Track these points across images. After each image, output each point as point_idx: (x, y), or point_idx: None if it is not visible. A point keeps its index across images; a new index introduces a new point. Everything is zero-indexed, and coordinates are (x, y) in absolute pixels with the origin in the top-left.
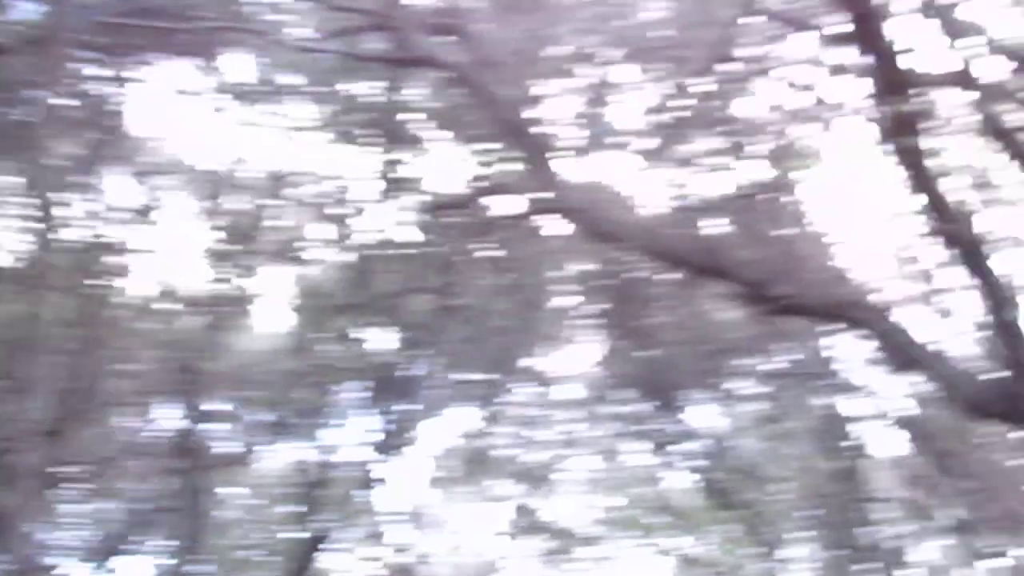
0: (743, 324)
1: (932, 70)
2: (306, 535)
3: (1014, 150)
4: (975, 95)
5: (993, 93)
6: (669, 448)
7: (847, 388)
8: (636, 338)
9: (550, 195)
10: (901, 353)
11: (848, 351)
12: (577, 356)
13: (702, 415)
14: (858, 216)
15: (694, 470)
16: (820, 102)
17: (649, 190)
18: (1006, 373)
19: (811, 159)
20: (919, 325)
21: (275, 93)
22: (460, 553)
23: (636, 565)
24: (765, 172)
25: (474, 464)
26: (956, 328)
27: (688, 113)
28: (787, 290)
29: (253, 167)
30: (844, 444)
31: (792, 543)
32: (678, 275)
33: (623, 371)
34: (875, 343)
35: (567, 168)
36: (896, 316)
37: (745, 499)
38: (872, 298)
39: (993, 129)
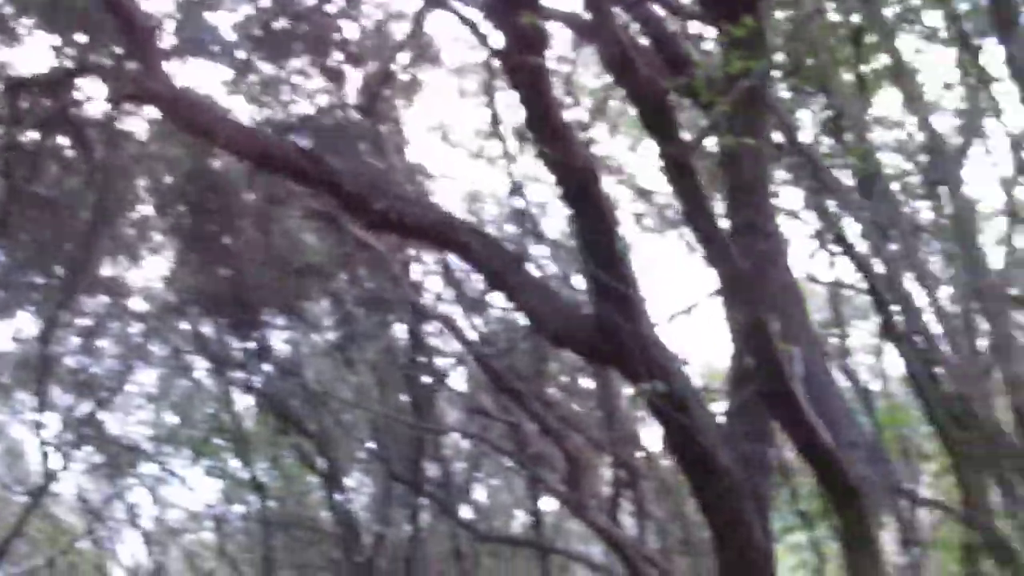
0: (326, 247)
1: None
2: None
3: (630, 85)
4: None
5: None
6: (237, 368)
7: (427, 317)
8: (214, 254)
9: (145, 86)
10: (497, 279)
11: (431, 281)
12: (151, 268)
13: (275, 337)
14: (463, 141)
15: (261, 392)
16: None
17: (245, 99)
18: (605, 307)
19: (413, 85)
20: (517, 253)
21: None
22: (14, 459)
23: (194, 483)
24: (363, 94)
25: (34, 370)
26: (558, 259)
27: (289, 29)
28: (387, 204)
29: None
30: (418, 374)
31: (357, 471)
32: (271, 180)
33: (198, 287)
34: (470, 267)
35: (166, 65)
36: (494, 241)
37: (311, 425)
38: (469, 222)
39: (610, 63)
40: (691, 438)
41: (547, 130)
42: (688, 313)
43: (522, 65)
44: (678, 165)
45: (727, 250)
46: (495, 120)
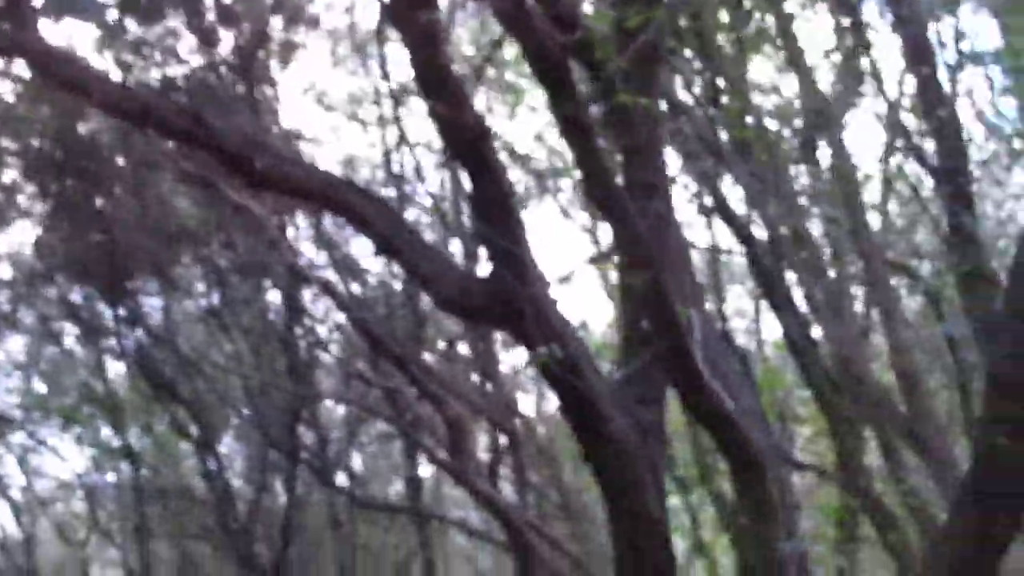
0: (201, 211)
1: None
2: None
3: (525, 40)
4: None
5: None
6: (109, 335)
7: (304, 281)
8: (85, 219)
9: (17, 41)
10: (384, 242)
11: (306, 246)
12: (19, 233)
13: (147, 303)
14: (338, 105)
15: (134, 359)
16: None
17: (114, 60)
18: (499, 269)
19: (289, 47)
20: (407, 215)
21: None
22: None
23: (64, 452)
24: (237, 56)
25: None
26: (434, 224)
27: None
28: (269, 163)
29: None
30: (294, 340)
31: (231, 438)
32: (144, 143)
33: (67, 252)
34: (356, 229)
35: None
36: (381, 203)
37: (185, 392)
38: (356, 183)
39: (504, 18)
40: (586, 403)
41: (439, 88)
42: (567, 280)
43: (414, 19)
44: (575, 123)
45: (626, 210)
46: (385, 77)
